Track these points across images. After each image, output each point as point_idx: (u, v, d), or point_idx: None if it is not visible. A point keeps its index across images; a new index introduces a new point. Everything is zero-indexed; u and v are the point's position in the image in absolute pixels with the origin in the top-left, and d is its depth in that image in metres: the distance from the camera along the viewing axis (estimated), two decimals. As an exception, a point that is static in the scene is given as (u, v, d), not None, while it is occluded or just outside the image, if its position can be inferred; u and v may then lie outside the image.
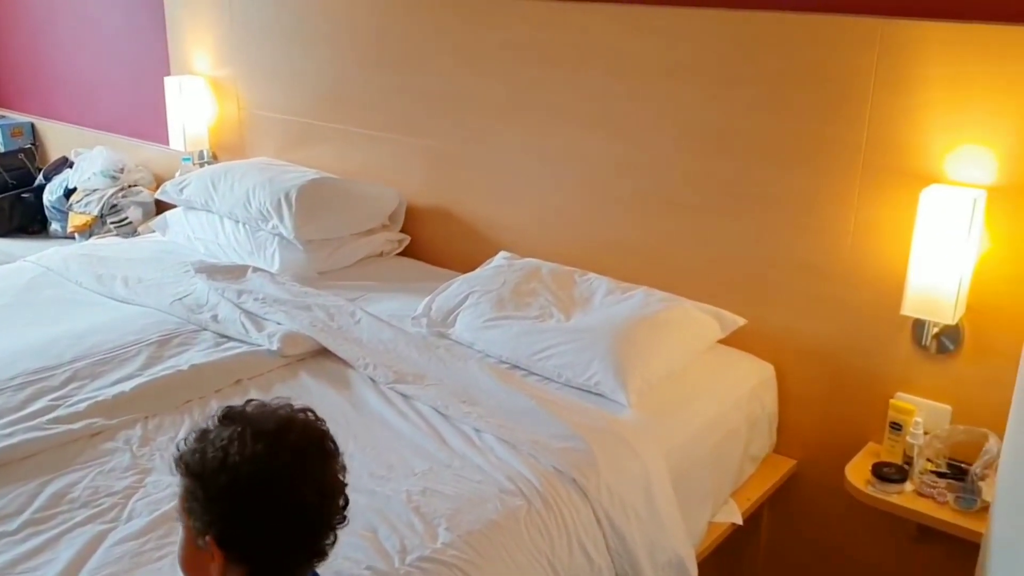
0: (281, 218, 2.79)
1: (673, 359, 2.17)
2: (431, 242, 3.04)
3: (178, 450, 1.20)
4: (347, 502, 1.22)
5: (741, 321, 2.29)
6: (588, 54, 2.50)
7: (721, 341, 2.30)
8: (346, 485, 1.23)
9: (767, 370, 2.31)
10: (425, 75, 2.88)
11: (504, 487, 1.74)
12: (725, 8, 2.25)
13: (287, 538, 1.16)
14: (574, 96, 2.56)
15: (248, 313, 2.41)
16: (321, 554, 1.22)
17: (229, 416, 1.20)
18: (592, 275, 2.43)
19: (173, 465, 1.20)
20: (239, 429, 1.16)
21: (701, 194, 2.37)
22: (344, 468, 1.23)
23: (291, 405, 1.23)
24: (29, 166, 4.01)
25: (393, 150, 3.04)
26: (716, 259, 2.39)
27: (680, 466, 1.99)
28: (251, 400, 1.24)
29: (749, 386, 2.26)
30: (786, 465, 2.35)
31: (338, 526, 1.22)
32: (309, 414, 1.24)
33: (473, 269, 2.63)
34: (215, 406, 2.00)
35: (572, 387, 2.12)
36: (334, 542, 1.22)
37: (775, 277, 2.30)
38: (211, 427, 1.19)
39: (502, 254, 2.62)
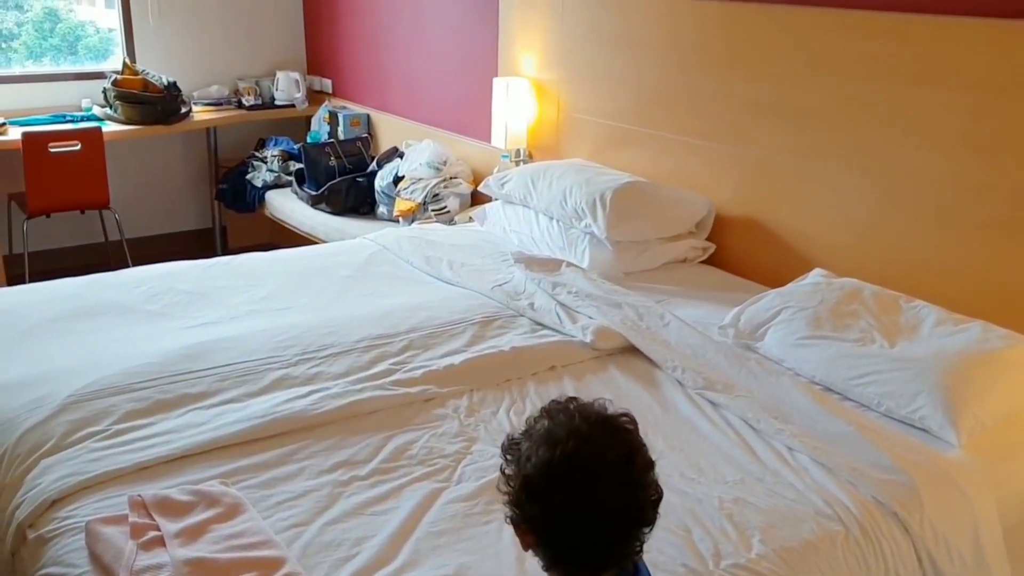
0: (595, 218, 2.89)
1: (1012, 401, 2.00)
2: (737, 252, 3.01)
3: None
4: (652, 519, 1.21)
5: (1096, 370, 2.06)
6: (930, 68, 2.36)
7: (1069, 390, 2.09)
8: (654, 500, 1.21)
9: (1121, 428, 2.07)
10: (747, 84, 2.86)
11: (820, 509, 1.70)
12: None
13: (569, 543, 1.19)
14: (912, 111, 2.43)
15: (562, 305, 2.52)
16: (613, 563, 1.21)
17: (546, 413, 1.24)
18: (920, 302, 2.29)
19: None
20: (545, 433, 1.20)
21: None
22: (653, 486, 1.21)
23: (606, 412, 1.23)
24: (364, 153, 4.44)
25: (707, 157, 3.05)
26: (1068, 299, 2.17)
27: (1012, 516, 1.84)
28: (574, 399, 1.26)
29: (1099, 443, 2.03)
30: None
31: (638, 539, 1.20)
32: (624, 421, 1.22)
33: (779, 284, 2.57)
34: (531, 387, 2.16)
35: (893, 418, 2.02)
36: (636, 550, 1.21)
37: None
38: (535, 421, 1.25)
39: (818, 271, 2.54)
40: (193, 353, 2.21)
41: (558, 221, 3.07)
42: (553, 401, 1.28)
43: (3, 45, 4.72)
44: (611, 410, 1.25)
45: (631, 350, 2.34)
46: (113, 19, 4.82)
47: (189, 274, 2.83)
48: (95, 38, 4.98)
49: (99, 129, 4.16)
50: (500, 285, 2.68)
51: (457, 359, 2.21)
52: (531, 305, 2.55)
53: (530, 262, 2.78)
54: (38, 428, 1.87)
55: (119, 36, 4.79)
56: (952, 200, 2.38)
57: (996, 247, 2.31)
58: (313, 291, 2.73)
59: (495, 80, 3.69)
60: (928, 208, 2.44)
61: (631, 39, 3.24)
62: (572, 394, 2.10)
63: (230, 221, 5.10)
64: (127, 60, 4.61)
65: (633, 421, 1.25)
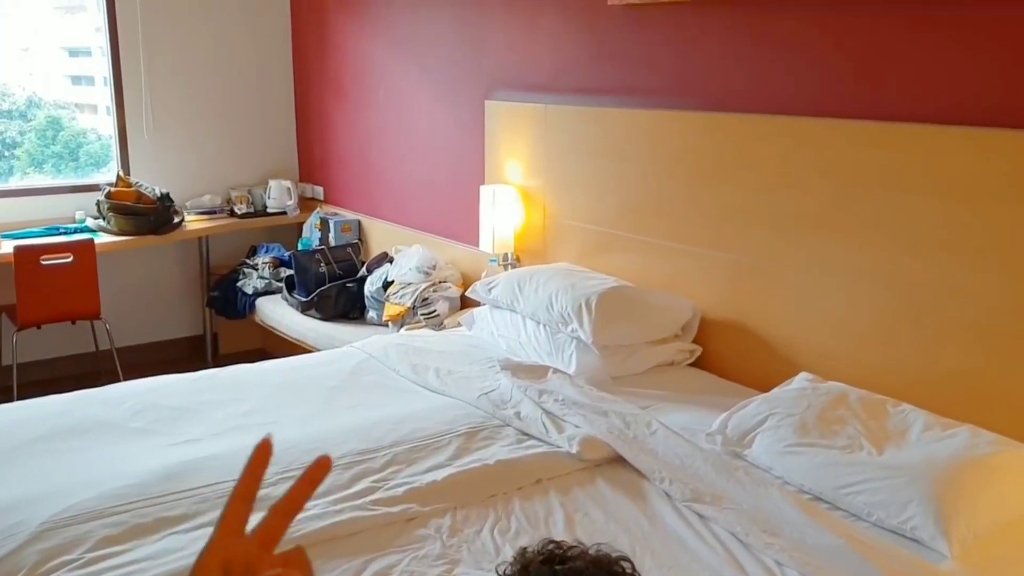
0: (581, 322, 2.89)
1: (1005, 510, 1.96)
2: (724, 355, 3.00)
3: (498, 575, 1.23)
4: None
5: (1088, 475, 2.03)
6: (911, 174, 2.40)
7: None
8: None
9: (1119, 534, 2.03)
10: (730, 190, 2.90)
11: (811, 629, 1.65)
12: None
13: None
14: (889, 216, 2.46)
15: (549, 413, 2.50)
16: None
17: (551, 562, 1.21)
18: (907, 406, 2.27)
19: None
20: None
21: (1039, 328, 2.17)
22: None
23: (609, 558, 1.19)
24: (355, 259, 4.48)
25: (691, 261, 3.07)
26: (1055, 401, 2.16)
27: (1011, 633, 1.79)
28: (572, 546, 1.22)
29: (1096, 551, 1.99)
30: None
31: None
32: (630, 569, 1.22)
33: (766, 387, 2.57)
34: (516, 503, 2.12)
35: (883, 528, 1.98)
36: None
37: None
38: (533, 565, 1.21)
39: (804, 375, 2.53)
40: (173, 473, 2.18)
41: (545, 326, 3.08)
42: (550, 547, 1.22)
43: (6, 153, 4.83)
44: (612, 556, 1.21)
45: (618, 460, 2.31)
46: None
47: (175, 388, 2.82)
48: (96, 144, 5.09)
49: (91, 241, 4.21)
50: (486, 393, 2.67)
51: (440, 475, 2.18)
52: (517, 414, 2.53)
53: (516, 369, 2.78)
54: (9, 559, 1.83)
55: (114, 147, 4.89)
56: (936, 304, 2.39)
57: (981, 351, 2.30)
58: (298, 403, 2.71)
59: (482, 188, 3.75)
60: (913, 312, 2.45)
61: (614, 148, 3.30)
62: (558, 509, 2.08)
63: (221, 328, 5.10)
64: (121, 173, 4.69)
65: (632, 564, 1.22)
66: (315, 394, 2.79)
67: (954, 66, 2.33)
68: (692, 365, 3.05)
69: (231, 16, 5.09)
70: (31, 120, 4.95)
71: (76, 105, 5.14)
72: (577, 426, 2.42)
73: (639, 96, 3.22)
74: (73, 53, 5.21)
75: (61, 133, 5.03)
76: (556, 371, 2.78)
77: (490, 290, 3.29)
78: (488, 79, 3.90)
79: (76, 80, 5.30)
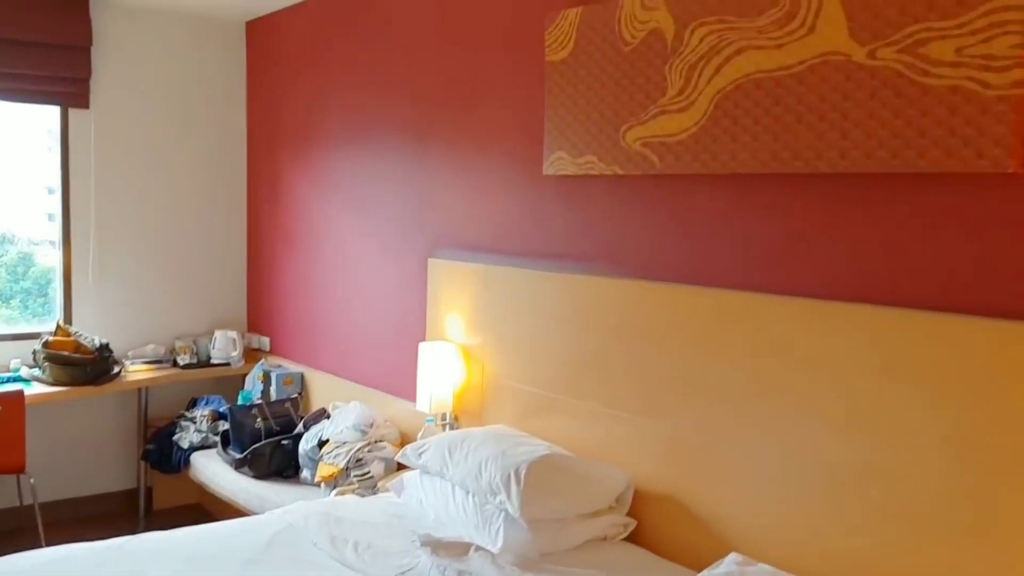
0: (509, 494, 2.78)
1: None
2: (658, 530, 2.89)
3: None
4: None
5: None
6: (837, 352, 2.38)
7: None
8: None
9: None
10: (661, 357, 2.87)
11: None
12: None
13: None
14: (819, 394, 2.42)
15: (464, 598, 2.37)
16: None
17: None
18: (834, 597, 2.17)
19: None
20: None
21: (967, 514, 2.10)
22: None
23: None
24: (293, 414, 4.37)
25: (626, 428, 3.00)
26: (986, 594, 2.07)
27: None
28: None
29: None
30: None
31: None
32: None
33: (699, 565, 2.47)
34: None
35: None
36: None
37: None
38: None
39: (733, 557, 2.43)
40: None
41: (473, 495, 2.96)
42: None
43: (-28, 290, 4.78)
44: None
45: (533, 652, 2.17)
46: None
47: (73, 562, 2.66)
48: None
49: (21, 392, 4.08)
50: (403, 573, 2.53)
51: (337, 671, 2.03)
52: (432, 598, 2.39)
53: (436, 545, 2.65)
54: None
55: (58, 293, 4.83)
56: (851, 483, 2.32)
57: (912, 538, 2.22)
58: (204, 580, 2.55)
59: (421, 344, 3.71)
60: (838, 494, 2.37)
61: (551, 310, 3.29)
62: None
63: (157, 482, 4.92)
64: (60, 322, 4.62)
65: None
66: (225, 569, 2.63)
67: (875, 246, 2.35)
68: (627, 539, 2.93)
69: (187, 165, 5.15)
70: (2, 256, 4.92)
71: (50, 242, 5.11)
72: (493, 612, 2.29)
73: (574, 261, 3.24)
74: (51, 191, 5.22)
75: (32, 269, 4.99)
76: (479, 548, 2.66)
77: (420, 454, 3.19)
78: (432, 237, 3.93)
79: (52, 217, 5.28)
